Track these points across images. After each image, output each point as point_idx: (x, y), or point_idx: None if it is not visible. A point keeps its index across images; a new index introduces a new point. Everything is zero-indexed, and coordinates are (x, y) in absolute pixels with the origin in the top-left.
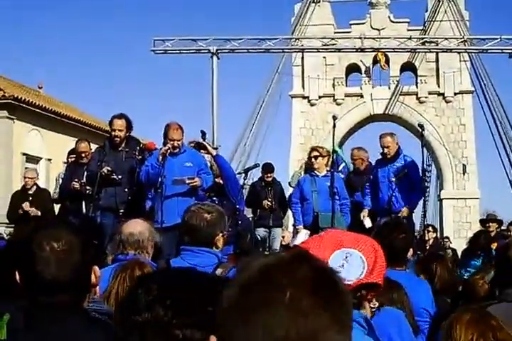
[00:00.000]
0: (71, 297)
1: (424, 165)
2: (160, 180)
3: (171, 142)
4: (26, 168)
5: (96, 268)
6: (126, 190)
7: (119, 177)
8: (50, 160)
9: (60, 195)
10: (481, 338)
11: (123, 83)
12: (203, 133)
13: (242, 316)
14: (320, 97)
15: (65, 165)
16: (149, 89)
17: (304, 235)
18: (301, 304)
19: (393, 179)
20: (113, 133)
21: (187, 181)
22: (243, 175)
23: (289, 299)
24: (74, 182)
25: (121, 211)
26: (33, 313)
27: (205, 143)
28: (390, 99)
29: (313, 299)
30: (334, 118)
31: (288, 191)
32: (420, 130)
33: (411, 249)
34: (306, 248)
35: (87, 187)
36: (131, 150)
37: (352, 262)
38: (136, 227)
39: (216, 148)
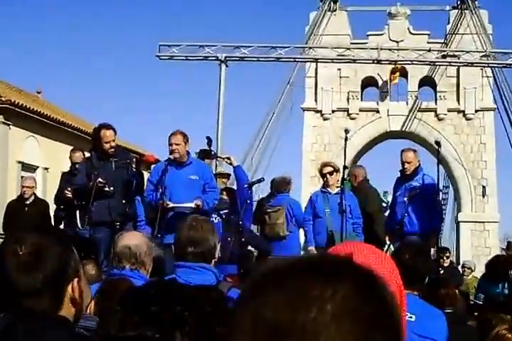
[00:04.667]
0: (40, 305)
1: (441, 186)
2: (161, 190)
3: (170, 147)
4: (22, 177)
5: (75, 281)
6: (123, 201)
7: (111, 188)
8: (47, 169)
9: (57, 205)
10: None
11: (126, 90)
12: (209, 140)
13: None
14: (333, 111)
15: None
16: (153, 96)
17: None
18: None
19: (405, 198)
20: (106, 145)
21: (185, 205)
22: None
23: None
24: (66, 191)
25: (118, 224)
26: (4, 323)
27: (231, 157)
28: (408, 115)
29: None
30: (346, 131)
31: None
32: (436, 147)
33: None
34: None
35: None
36: (120, 159)
37: None
38: (133, 240)
39: (220, 157)
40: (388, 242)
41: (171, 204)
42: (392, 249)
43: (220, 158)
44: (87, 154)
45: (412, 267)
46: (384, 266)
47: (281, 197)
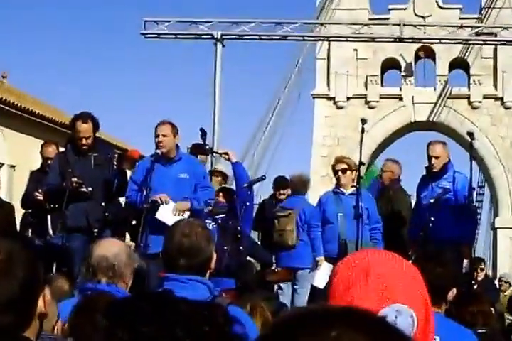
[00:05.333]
0: (9, 320)
1: (474, 185)
2: (145, 193)
3: (156, 139)
4: None
5: (47, 292)
6: (102, 204)
7: (89, 189)
8: (13, 167)
9: (24, 209)
10: None
11: (106, 75)
12: (203, 132)
13: None
14: (349, 99)
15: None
16: (138, 82)
17: (326, 270)
18: None
19: (431, 200)
20: (79, 142)
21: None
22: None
23: None
24: (37, 193)
25: (95, 230)
26: None
27: (229, 152)
28: (436, 103)
29: None
30: (363, 121)
31: None
32: (469, 139)
33: (454, 289)
34: (348, 300)
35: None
36: (101, 155)
37: (401, 321)
38: (110, 249)
39: (216, 152)
40: (410, 252)
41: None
42: None
43: (217, 153)
44: (62, 149)
45: (429, 278)
46: (407, 277)
47: (297, 198)
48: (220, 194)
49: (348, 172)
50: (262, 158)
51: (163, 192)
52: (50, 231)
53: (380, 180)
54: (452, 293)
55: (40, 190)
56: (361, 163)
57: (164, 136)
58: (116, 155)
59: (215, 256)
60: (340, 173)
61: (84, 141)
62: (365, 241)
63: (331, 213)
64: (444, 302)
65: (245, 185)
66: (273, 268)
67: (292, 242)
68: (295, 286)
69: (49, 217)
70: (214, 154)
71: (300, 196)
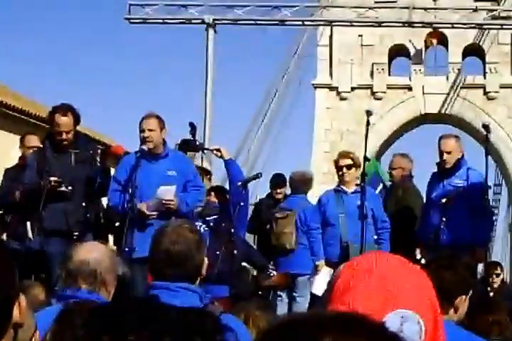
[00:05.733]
0: None
1: (490, 183)
2: (131, 191)
3: (142, 134)
4: None
5: (22, 300)
6: (83, 204)
7: (69, 188)
8: None
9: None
10: None
11: (89, 65)
12: (193, 127)
13: None
14: (353, 89)
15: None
16: (123, 71)
17: (325, 276)
18: None
19: (443, 200)
20: (58, 136)
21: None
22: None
23: None
24: (18, 192)
25: (76, 234)
26: None
27: (221, 148)
28: (448, 93)
29: None
30: (369, 113)
31: None
32: (485, 132)
33: (463, 296)
34: (348, 304)
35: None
36: (82, 151)
37: (407, 328)
38: (92, 253)
39: (207, 149)
40: (419, 256)
41: (144, 207)
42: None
43: (208, 149)
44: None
45: (436, 283)
46: (414, 282)
47: (296, 198)
48: (212, 193)
49: (353, 168)
50: (257, 154)
51: (149, 190)
52: (30, 235)
53: (389, 178)
54: (460, 300)
55: (21, 189)
56: (366, 159)
57: (150, 130)
58: (99, 151)
59: (206, 261)
60: (344, 169)
61: (63, 136)
62: (369, 244)
63: (332, 214)
64: (453, 309)
65: (239, 183)
66: (268, 272)
67: (291, 246)
68: (294, 294)
69: (29, 218)
70: (205, 151)
71: (300, 196)
